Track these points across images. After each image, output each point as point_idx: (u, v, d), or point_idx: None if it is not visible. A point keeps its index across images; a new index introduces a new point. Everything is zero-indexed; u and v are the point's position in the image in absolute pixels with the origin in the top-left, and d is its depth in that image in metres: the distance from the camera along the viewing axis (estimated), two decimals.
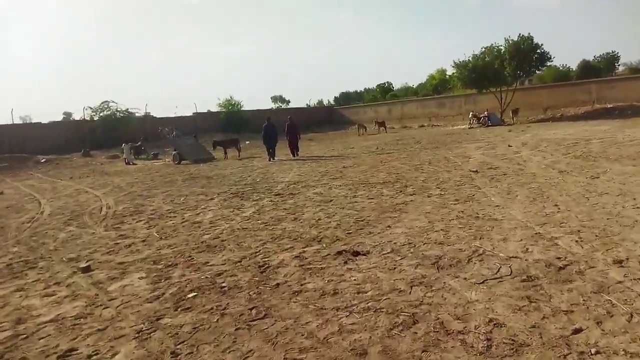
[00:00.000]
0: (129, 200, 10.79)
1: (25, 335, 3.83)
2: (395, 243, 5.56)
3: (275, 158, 18.51)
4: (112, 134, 29.02)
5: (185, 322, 3.83)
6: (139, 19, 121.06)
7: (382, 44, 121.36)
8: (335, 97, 61.16)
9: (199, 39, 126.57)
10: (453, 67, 34.24)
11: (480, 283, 4.14)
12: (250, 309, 3.98)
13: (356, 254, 5.26)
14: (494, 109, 32.25)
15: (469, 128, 30.31)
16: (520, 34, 30.61)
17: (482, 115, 31.19)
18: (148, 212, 9.10)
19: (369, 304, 3.88)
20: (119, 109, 33.13)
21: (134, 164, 23.19)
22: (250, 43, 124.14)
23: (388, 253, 5.21)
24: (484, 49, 32.40)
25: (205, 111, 39.55)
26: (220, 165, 18.31)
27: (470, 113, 32.95)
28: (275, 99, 53.09)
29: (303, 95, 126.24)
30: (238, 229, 7.06)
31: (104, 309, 4.26)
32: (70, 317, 4.13)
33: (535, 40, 30.33)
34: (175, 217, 8.42)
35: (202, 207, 9.23)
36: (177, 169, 18.59)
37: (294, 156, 18.60)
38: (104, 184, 14.65)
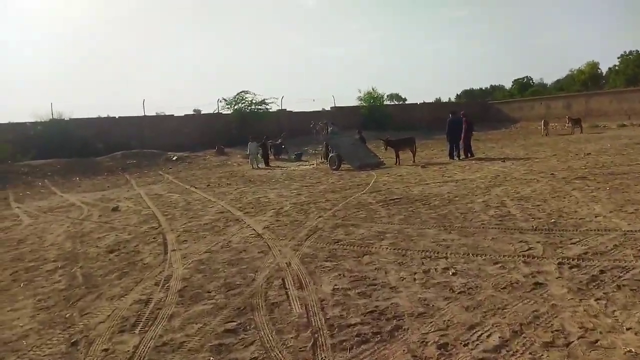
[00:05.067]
0: (329, 259, 5.29)
1: None
2: None
3: (459, 158, 15.86)
4: (249, 129, 24.75)
5: None
6: (258, 19, 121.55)
7: (502, 39, 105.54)
8: (457, 94, 55.66)
9: (313, 40, 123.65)
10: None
11: None
12: None
13: None
14: None
15: None
16: None
17: None
18: (409, 322, 3.48)
19: None
20: (254, 101, 28.99)
21: (260, 167, 18.87)
22: (362, 42, 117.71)
23: None
24: None
25: (345, 105, 34.47)
26: (404, 175, 12.50)
27: None
28: (391, 97, 47.68)
29: (418, 93, 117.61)
30: None
31: None
32: None
33: None
34: None
35: (556, 328, 3.31)
36: (343, 178, 13.16)
37: (472, 156, 16.07)
38: (256, 204, 9.64)
